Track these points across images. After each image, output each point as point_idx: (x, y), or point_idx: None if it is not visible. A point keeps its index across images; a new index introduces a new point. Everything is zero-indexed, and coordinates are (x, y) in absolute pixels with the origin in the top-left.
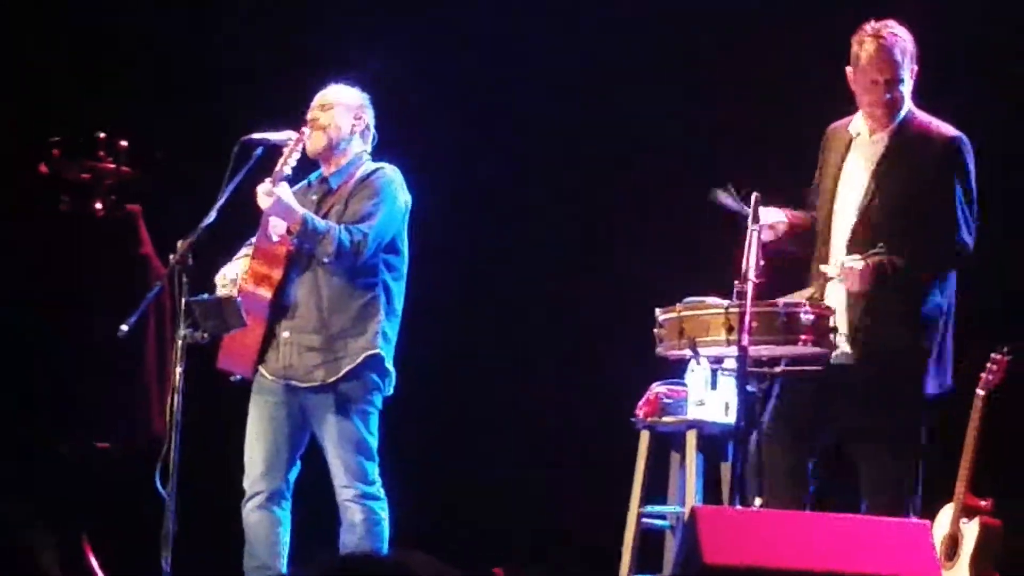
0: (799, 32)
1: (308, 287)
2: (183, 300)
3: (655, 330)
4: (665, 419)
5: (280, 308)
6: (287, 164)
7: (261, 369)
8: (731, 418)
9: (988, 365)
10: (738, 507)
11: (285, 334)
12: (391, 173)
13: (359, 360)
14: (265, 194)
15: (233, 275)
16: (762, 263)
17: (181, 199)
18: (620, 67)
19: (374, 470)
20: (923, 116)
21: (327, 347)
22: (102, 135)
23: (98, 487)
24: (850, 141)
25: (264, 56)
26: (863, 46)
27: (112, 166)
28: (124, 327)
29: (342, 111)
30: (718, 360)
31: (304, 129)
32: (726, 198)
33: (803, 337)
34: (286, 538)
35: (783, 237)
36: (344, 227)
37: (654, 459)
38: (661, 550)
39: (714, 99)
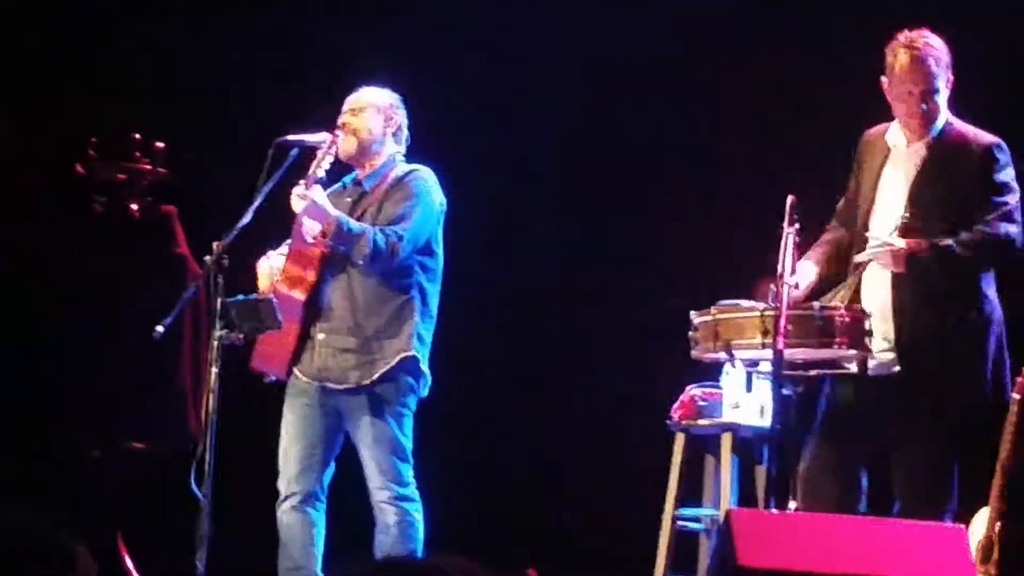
0: (815, 34)
1: (342, 289)
2: (219, 301)
3: (690, 333)
4: (700, 422)
5: (314, 310)
6: (320, 167)
7: (296, 371)
8: (766, 421)
9: (1023, 369)
10: (773, 510)
11: (320, 336)
12: (426, 175)
13: (394, 362)
14: (299, 197)
15: (277, 265)
16: (798, 265)
17: (217, 200)
18: (619, 71)
19: (408, 472)
20: (961, 125)
21: (362, 349)
22: (138, 136)
23: (134, 488)
24: (888, 152)
25: (263, 56)
26: (897, 57)
27: (148, 167)
28: (160, 328)
29: (373, 113)
30: (753, 363)
31: (337, 132)
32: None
33: (839, 340)
34: (320, 539)
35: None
36: (379, 229)
37: (689, 462)
38: (696, 553)
39: (714, 103)
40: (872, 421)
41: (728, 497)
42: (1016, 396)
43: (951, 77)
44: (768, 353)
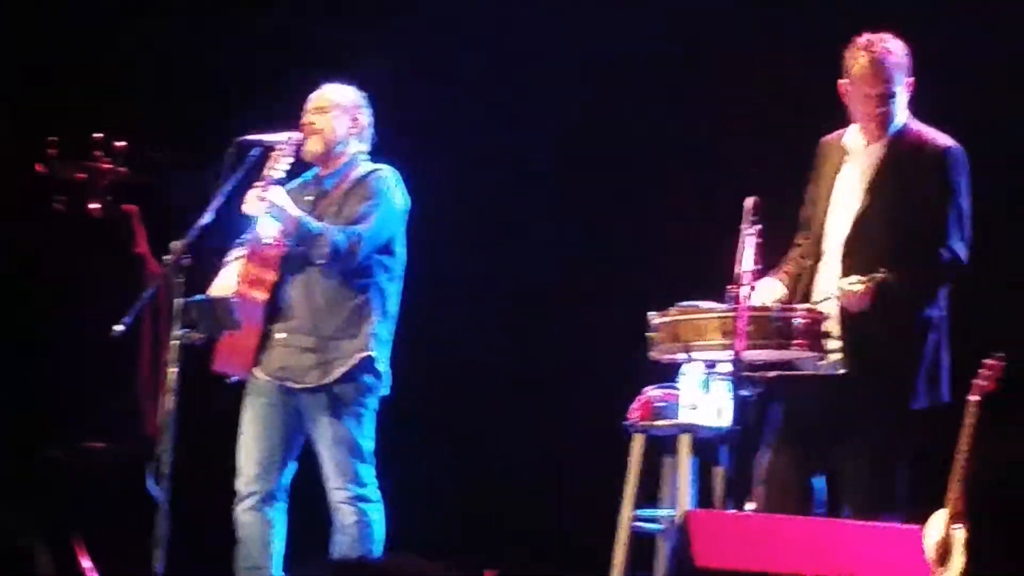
0: (806, 38)
1: (302, 289)
2: (178, 301)
3: (649, 334)
4: (658, 423)
5: (274, 310)
6: (276, 168)
7: (255, 370)
8: (724, 422)
9: (981, 371)
10: (730, 511)
11: (279, 335)
12: (388, 175)
13: (353, 362)
14: (257, 199)
15: (226, 283)
16: (758, 267)
17: (177, 200)
18: (619, 71)
19: (368, 472)
20: (919, 127)
21: (321, 348)
22: (99, 135)
23: (91, 488)
24: (844, 153)
25: (263, 56)
26: (856, 59)
27: (109, 166)
28: (119, 327)
29: (339, 113)
30: (712, 364)
31: (294, 134)
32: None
33: (797, 342)
34: (279, 539)
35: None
36: (339, 228)
37: (647, 463)
38: (653, 554)
39: (714, 103)
40: (824, 422)
41: (686, 498)
42: (973, 398)
43: (911, 80)
44: (727, 354)
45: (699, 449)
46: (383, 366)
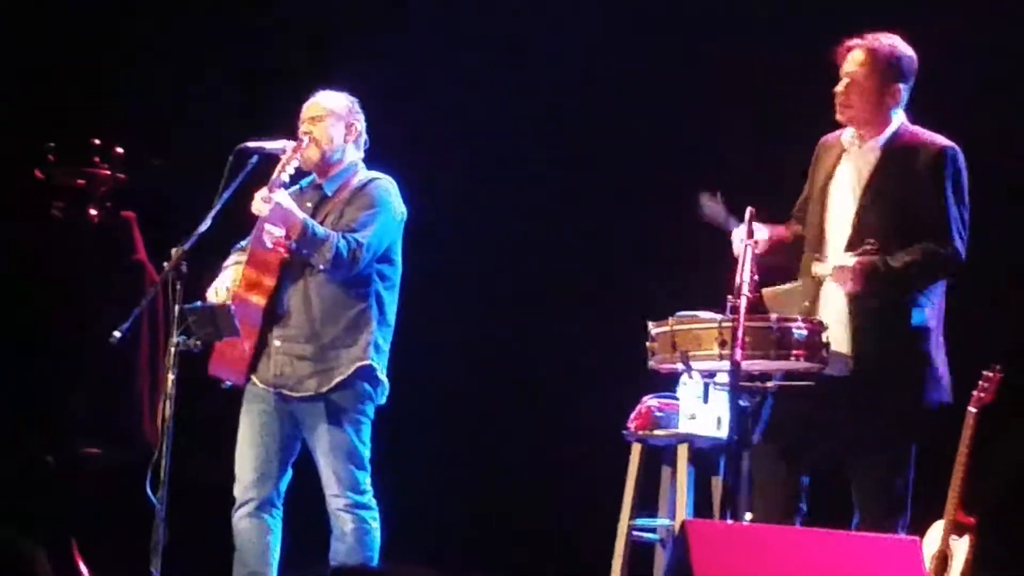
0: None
1: (301, 296)
2: (177, 307)
3: (647, 343)
4: (657, 432)
5: (273, 316)
6: (284, 172)
7: (253, 377)
8: (723, 432)
9: (980, 383)
10: (729, 521)
11: (277, 343)
12: (387, 184)
13: (351, 370)
14: (263, 200)
15: (224, 286)
16: (756, 278)
17: (176, 207)
18: (622, 78)
19: (365, 479)
20: (915, 129)
21: (319, 357)
22: (97, 141)
23: (88, 494)
24: (842, 151)
25: (263, 64)
26: (852, 53)
27: (107, 172)
28: (117, 333)
29: (333, 121)
30: (710, 374)
31: (303, 138)
32: (713, 209)
33: (796, 352)
34: (276, 546)
35: (763, 253)
36: (342, 235)
37: (645, 472)
38: (651, 564)
39: (715, 110)
40: (822, 424)
41: (684, 508)
42: (972, 410)
43: (902, 87)
44: (725, 364)
45: (697, 459)
46: (381, 375)
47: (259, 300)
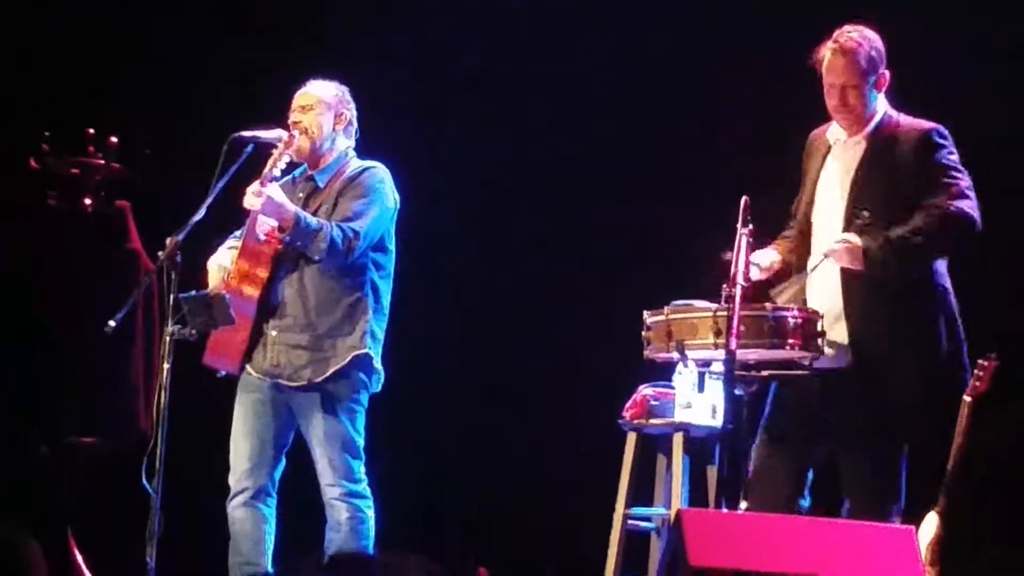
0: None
1: (295, 286)
2: (171, 296)
3: (643, 333)
4: (652, 421)
5: (268, 307)
6: (276, 165)
7: (248, 367)
8: (718, 421)
9: (975, 371)
10: (724, 510)
11: (272, 333)
12: (381, 173)
13: (347, 360)
14: (254, 194)
15: (223, 261)
16: (750, 267)
17: (171, 196)
18: (613, 68)
19: (360, 468)
20: (900, 116)
21: (315, 346)
22: (92, 131)
23: (84, 483)
24: (829, 147)
25: (256, 53)
26: (824, 52)
27: (102, 162)
28: (112, 323)
29: (323, 111)
30: (706, 363)
31: (294, 132)
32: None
33: (791, 341)
34: (271, 535)
35: (763, 279)
36: (335, 224)
37: (640, 461)
38: (647, 552)
39: (707, 102)
40: (820, 419)
41: (679, 497)
42: (967, 399)
43: (885, 72)
44: (721, 353)
45: (693, 448)
46: (377, 363)
47: (253, 291)
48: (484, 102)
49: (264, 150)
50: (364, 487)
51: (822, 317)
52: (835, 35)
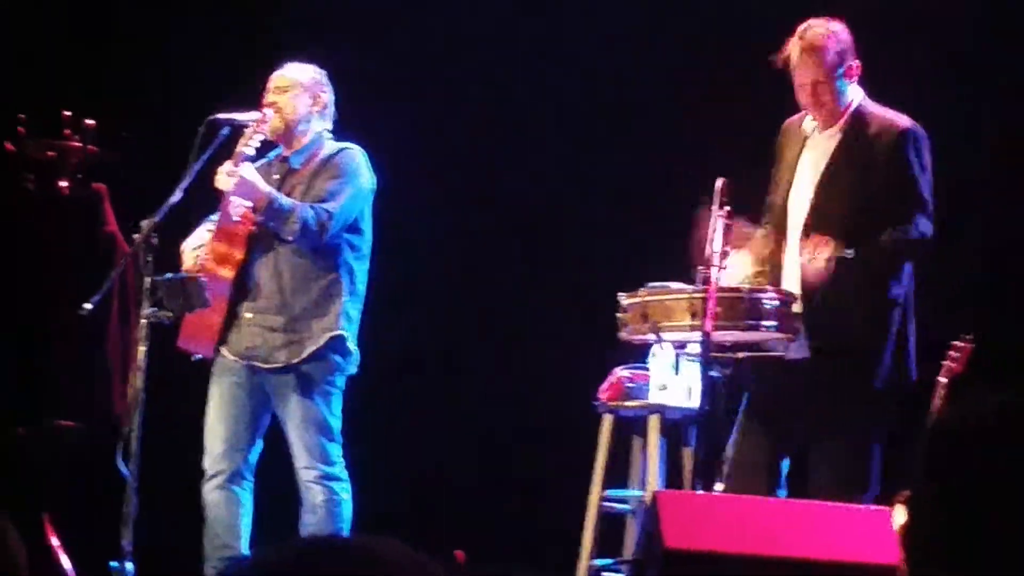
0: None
1: (270, 268)
2: (147, 279)
3: (618, 314)
4: (627, 403)
5: (242, 289)
6: (248, 145)
7: (222, 349)
8: (694, 403)
9: (950, 353)
10: (700, 492)
11: (247, 315)
12: (356, 154)
13: (322, 341)
14: (227, 175)
15: (198, 244)
16: (727, 249)
17: (147, 179)
18: (585, 47)
19: (336, 451)
20: (875, 108)
21: (290, 328)
22: (68, 114)
23: (59, 466)
24: (804, 139)
25: (233, 36)
26: (791, 48)
27: (78, 145)
28: (88, 305)
29: (299, 92)
30: (681, 345)
31: (266, 111)
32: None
33: (766, 323)
34: (247, 518)
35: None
36: (309, 205)
37: (616, 443)
38: (622, 534)
39: (680, 82)
40: (793, 406)
41: (655, 479)
42: (942, 380)
43: (853, 63)
44: (697, 335)
45: (668, 430)
46: (352, 345)
47: (228, 273)
48: (457, 85)
49: (241, 131)
50: (340, 469)
51: (797, 299)
52: (799, 32)
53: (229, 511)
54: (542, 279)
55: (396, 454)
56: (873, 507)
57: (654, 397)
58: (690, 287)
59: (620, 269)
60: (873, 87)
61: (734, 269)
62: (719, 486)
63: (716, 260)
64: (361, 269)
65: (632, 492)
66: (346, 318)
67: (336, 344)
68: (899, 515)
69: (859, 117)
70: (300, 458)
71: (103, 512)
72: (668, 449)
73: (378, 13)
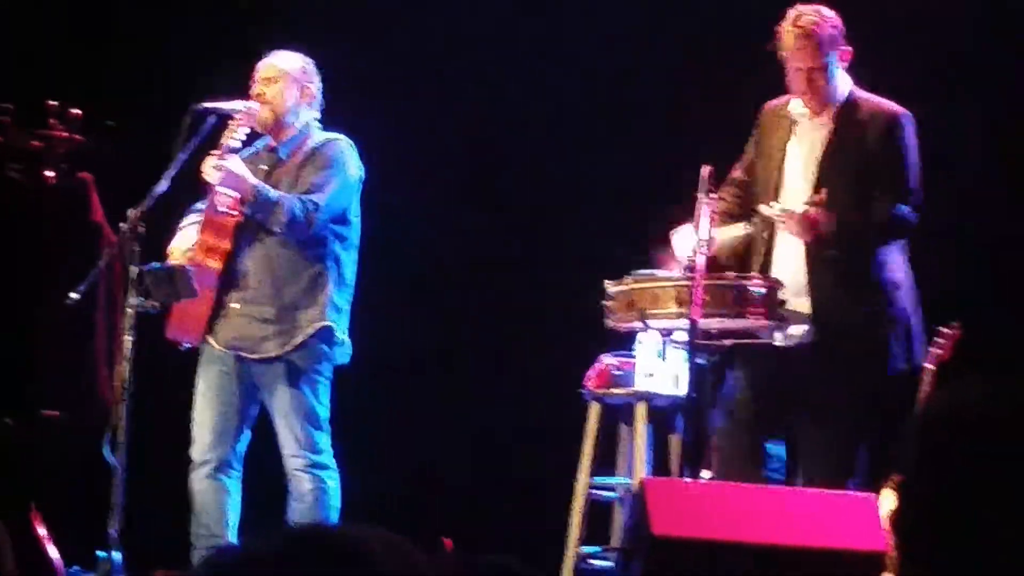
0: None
1: (258, 259)
2: (134, 269)
3: (605, 302)
4: (614, 391)
5: (229, 279)
6: (234, 136)
7: (210, 339)
8: (680, 390)
9: (936, 339)
10: (687, 479)
11: (235, 305)
12: (344, 144)
13: (310, 332)
14: (213, 167)
15: (185, 246)
16: (713, 236)
17: (133, 168)
18: (585, 47)
19: (323, 440)
20: (865, 95)
21: (278, 319)
22: (54, 103)
23: (47, 456)
24: (792, 125)
25: (221, 25)
26: (784, 35)
27: (64, 134)
28: (74, 295)
29: (288, 83)
30: (668, 332)
31: (251, 105)
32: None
33: (753, 310)
34: (235, 508)
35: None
36: (296, 197)
37: (603, 431)
38: (610, 522)
39: (666, 73)
40: (782, 393)
41: (642, 466)
42: (929, 367)
43: (847, 49)
44: (683, 322)
45: (655, 417)
46: (341, 335)
47: (215, 264)
48: (457, 84)
49: (225, 120)
50: (328, 458)
51: (783, 286)
52: (792, 17)
53: (217, 500)
54: (528, 267)
55: (387, 446)
56: (860, 494)
57: (641, 384)
58: (676, 274)
59: (620, 269)
60: (873, 87)
61: (683, 242)
62: (706, 473)
63: (702, 247)
64: (349, 259)
65: (619, 479)
66: (334, 308)
67: (324, 334)
68: (888, 500)
69: (850, 104)
70: (287, 447)
71: (90, 501)
72: (655, 436)
73: (378, 13)
